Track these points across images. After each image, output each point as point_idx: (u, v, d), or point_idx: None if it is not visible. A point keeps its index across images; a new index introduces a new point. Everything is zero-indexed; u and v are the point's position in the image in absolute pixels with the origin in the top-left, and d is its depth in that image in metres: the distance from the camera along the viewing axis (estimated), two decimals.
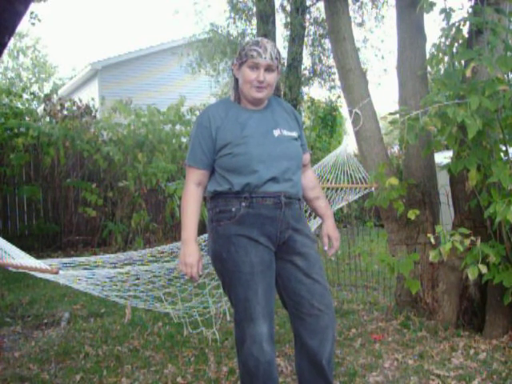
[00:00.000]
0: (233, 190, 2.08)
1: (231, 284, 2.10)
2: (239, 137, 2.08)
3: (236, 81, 2.18)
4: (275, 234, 2.11)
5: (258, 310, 2.04)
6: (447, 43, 3.11)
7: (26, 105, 8.16)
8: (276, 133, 2.14)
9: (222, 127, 2.11)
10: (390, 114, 3.19)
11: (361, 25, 10.81)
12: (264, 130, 2.13)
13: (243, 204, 2.07)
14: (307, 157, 2.34)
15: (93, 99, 9.14)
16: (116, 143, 7.73)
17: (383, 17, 10.78)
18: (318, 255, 2.20)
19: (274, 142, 2.12)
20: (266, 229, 2.09)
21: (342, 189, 4.13)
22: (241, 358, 2.09)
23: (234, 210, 2.08)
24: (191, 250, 2.10)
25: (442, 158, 3.71)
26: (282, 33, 10.82)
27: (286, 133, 2.16)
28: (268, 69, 2.09)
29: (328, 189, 4.15)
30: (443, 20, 3.10)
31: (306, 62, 10.92)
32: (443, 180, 3.75)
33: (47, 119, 8.03)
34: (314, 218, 3.75)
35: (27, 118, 7.55)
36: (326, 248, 2.31)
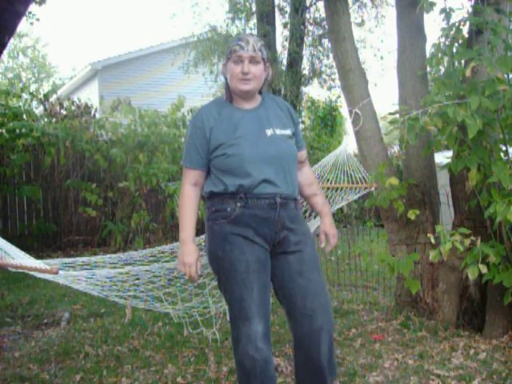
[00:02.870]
0: (227, 190, 2.09)
1: (227, 283, 2.10)
2: (232, 137, 2.09)
3: (227, 80, 2.19)
4: (270, 234, 2.11)
5: (253, 310, 2.04)
6: (447, 43, 3.11)
7: (26, 105, 8.14)
8: (269, 132, 2.13)
9: (216, 127, 2.12)
10: (390, 113, 3.19)
11: (361, 25, 10.80)
12: (257, 129, 2.13)
13: (238, 204, 2.08)
14: (303, 153, 2.33)
15: (89, 99, 9.12)
16: (117, 143, 7.72)
17: (383, 16, 10.77)
18: (314, 254, 2.19)
19: (267, 142, 2.11)
20: (261, 229, 2.09)
21: (341, 189, 4.12)
22: (237, 358, 2.09)
23: (229, 209, 2.09)
24: (189, 250, 2.12)
25: (442, 157, 3.71)
26: (281, 33, 10.81)
27: (278, 131, 2.15)
28: (252, 61, 2.10)
29: (328, 189, 4.14)
30: (443, 20, 3.10)
31: (306, 62, 10.91)
32: (443, 180, 3.75)
33: (46, 119, 8.02)
34: (315, 217, 3.75)
35: (25, 117, 7.54)
36: (322, 245, 2.30)
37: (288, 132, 2.18)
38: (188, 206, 2.15)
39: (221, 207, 2.11)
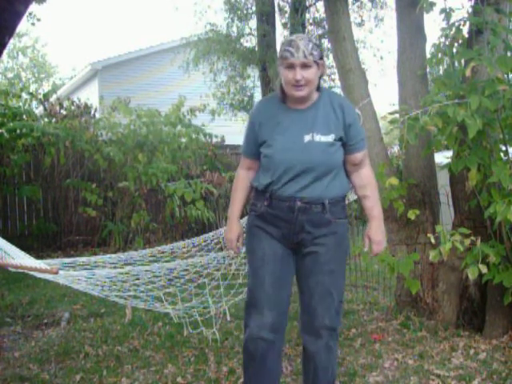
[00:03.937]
0: (259, 188, 2.20)
1: (249, 270, 2.26)
2: (271, 138, 2.16)
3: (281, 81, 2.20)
4: (288, 234, 2.18)
5: (263, 299, 2.14)
6: (447, 43, 3.11)
7: (26, 105, 8.14)
8: (307, 138, 2.12)
9: (263, 124, 2.20)
10: (390, 113, 3.19)
11: (360, 25, 10.79)
12: (295, 134, 2.13)
13: (265, 203, 2.19)
14: (358, 156, 2.21)
15: (88, 99, 9.12)
16: (116, 143, 7.72)
17: (382, 19, 10.76)
18: (332, 255, 2.18)
19: (301, 149, 2.11)
20: (281, 228, 2.18)
21: None
22: (244, 343, 2.20)
23: (258, 205, 2.22)
24: (231, 227, 2.33)
25: (442, 157, 3.71)
26: (281, 33, 10.80)
27: (318, 138, 2.11)
28: (304, 66, 2.07)
29: None
30: (443, 20, 3.10)
31: None
32: (443, 180, 3.75)
33: (46, 119, 8.01)
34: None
35: (25, 118, 7.53)
36: (365, 249, 2.33)
37: (329, 139, 2.12)
38: (238, 187, 2.33)
39: (254, 201, 2.26)
